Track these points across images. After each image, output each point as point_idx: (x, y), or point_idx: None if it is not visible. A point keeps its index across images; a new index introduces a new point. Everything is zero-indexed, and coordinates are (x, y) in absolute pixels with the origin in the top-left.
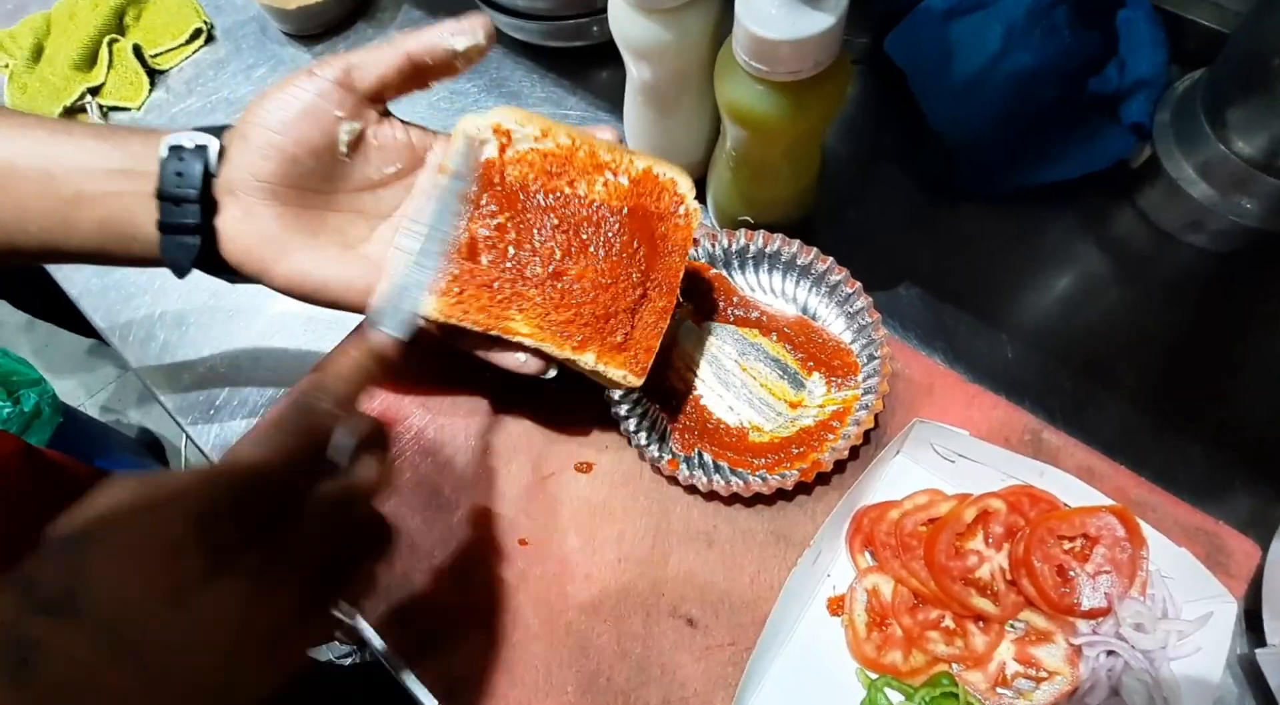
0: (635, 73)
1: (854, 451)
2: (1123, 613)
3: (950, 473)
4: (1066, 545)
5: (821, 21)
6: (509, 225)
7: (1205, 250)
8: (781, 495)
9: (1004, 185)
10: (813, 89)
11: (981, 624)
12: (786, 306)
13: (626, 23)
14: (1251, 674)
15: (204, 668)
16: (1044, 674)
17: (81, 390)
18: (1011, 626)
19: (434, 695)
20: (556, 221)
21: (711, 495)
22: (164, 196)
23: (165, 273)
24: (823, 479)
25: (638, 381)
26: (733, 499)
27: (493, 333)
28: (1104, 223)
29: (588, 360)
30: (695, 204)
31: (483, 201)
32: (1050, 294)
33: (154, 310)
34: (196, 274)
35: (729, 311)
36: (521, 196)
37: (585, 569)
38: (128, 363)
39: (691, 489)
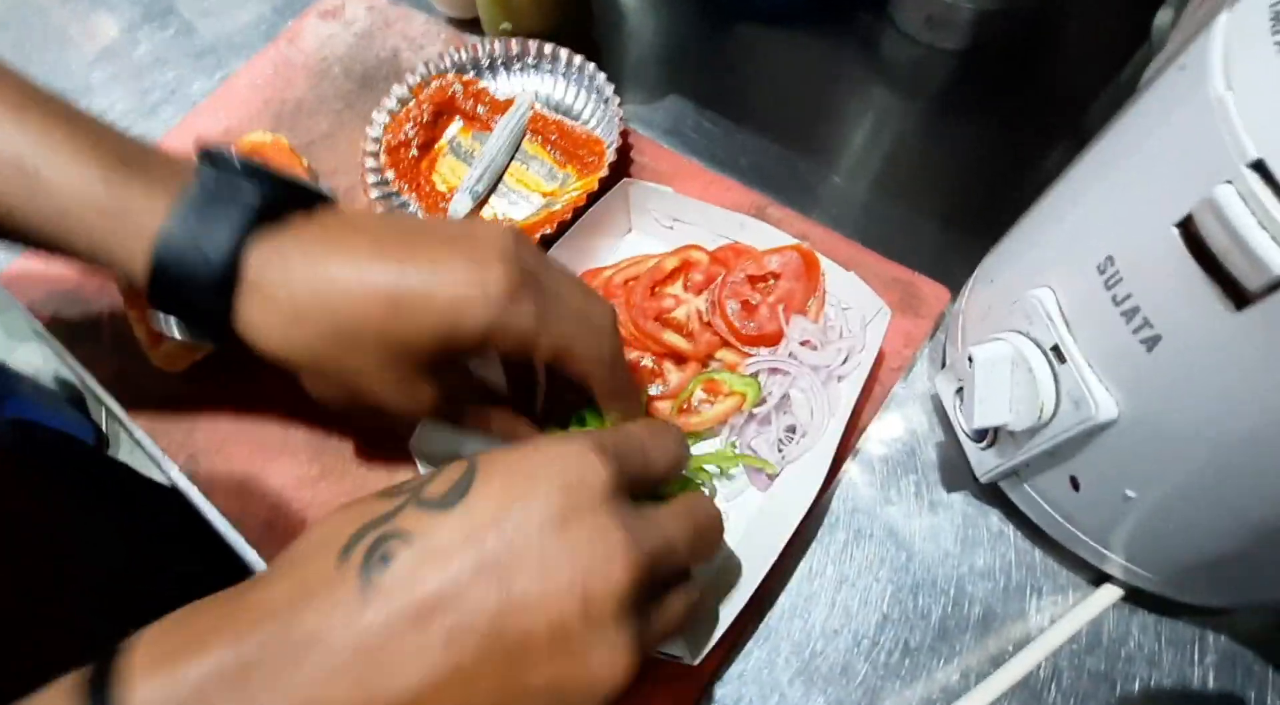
0: None
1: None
2: (791, 332)
3: (671, 240)
4: (760, 288)
5: None
6: None
7: (941, 50)
8: None
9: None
10: None
11: (678, 364)
12: (545, 110)
13: None
14: (940, 409)
15: (546, 606)
16: (720, 396)
17: None
18: (707, 367)
19: (174, 461)
20: None
21: None
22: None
23: None
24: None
25: None
26: None
27: None
28: (858, 32)
29: None
30: None
31: None
32: (804, 100)
33: None
34: None
35: (489, 118)
36: None
37: None
38: None
39: None
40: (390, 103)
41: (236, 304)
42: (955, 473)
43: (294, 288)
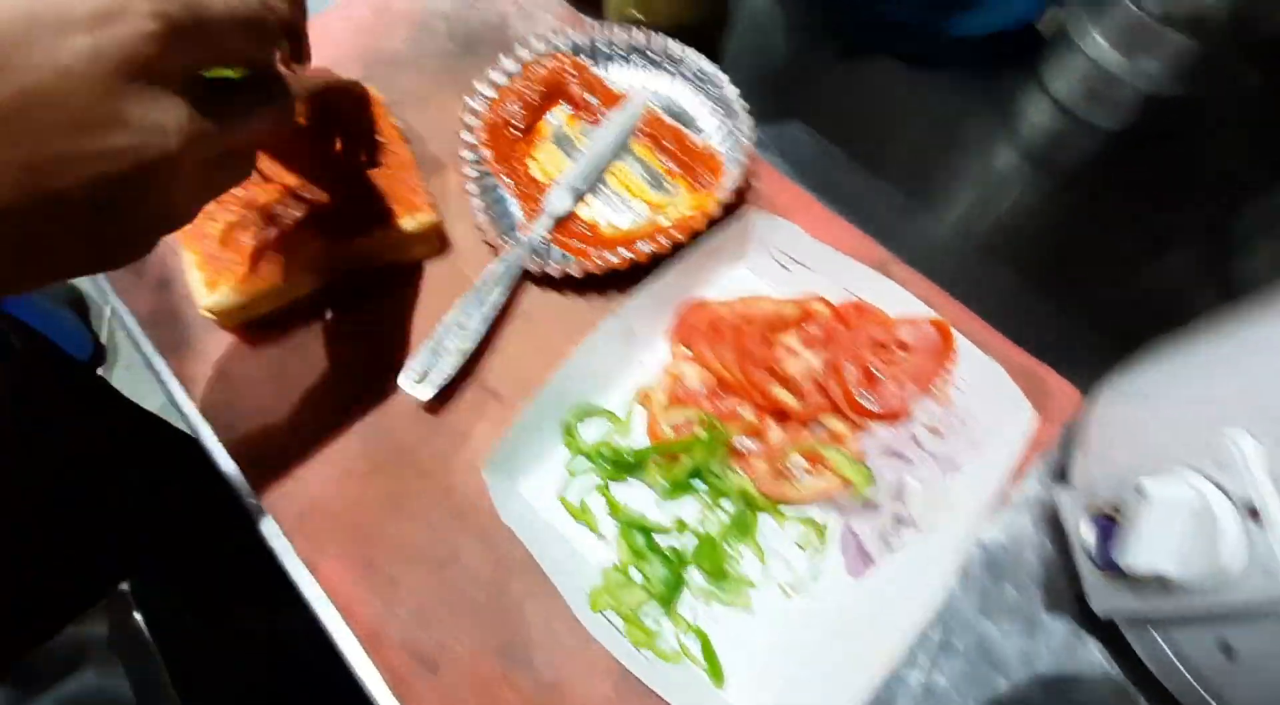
0: None
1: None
2: (919, 414)
3: (783, 281)
4: (883, 355)
5: None
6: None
7: (1097, 127)
8: (613, 284)
9: (914, 34)
10: None
11: (781, 421)
12: (661, 112)
13: None
14: (1052, 519)
15: (110, 180)
16: (823, 470)
17: None
18: (812, 432)
19: (209, 418)
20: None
21: (547, 278)
22: None
23: None
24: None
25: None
26: (569, 284)
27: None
28: (1003, 91)
29: (382, 236)
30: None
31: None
32: (934, 152)
33: None
34: None
35: (599, 110)
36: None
37: (411, 337)
38: None
39: (532, 276)
40: (498, 76)
41: None
42: (1060, 593)
43: None
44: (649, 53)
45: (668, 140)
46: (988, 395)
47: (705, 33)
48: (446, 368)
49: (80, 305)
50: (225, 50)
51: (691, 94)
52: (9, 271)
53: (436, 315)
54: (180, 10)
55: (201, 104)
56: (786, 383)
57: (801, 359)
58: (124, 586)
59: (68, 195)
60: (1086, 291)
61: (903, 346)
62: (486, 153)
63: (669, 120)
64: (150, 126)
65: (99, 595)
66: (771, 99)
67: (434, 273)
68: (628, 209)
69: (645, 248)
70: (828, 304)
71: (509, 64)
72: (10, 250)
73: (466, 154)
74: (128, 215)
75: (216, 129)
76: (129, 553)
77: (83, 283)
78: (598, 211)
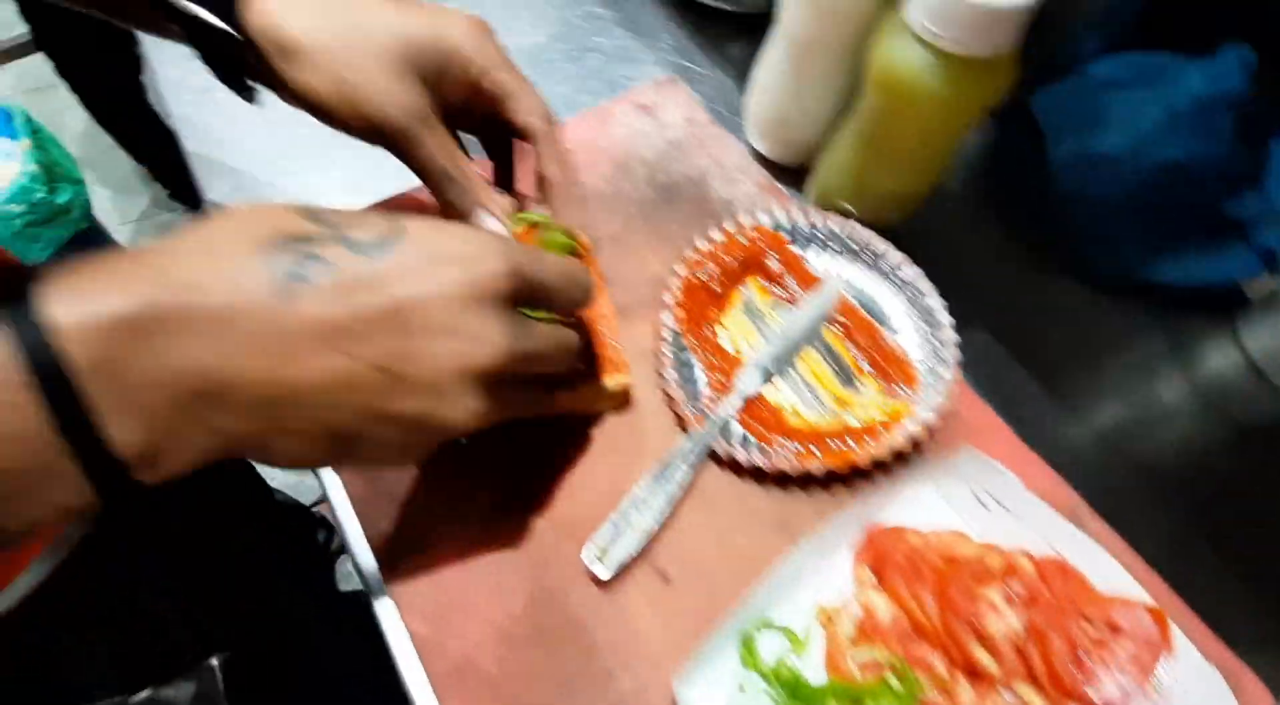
0: (786, 22)
1: (885, 467)
2: None
3: (980, 520)
4: (1090, 631)
5: None
6: None
7: None
8: (798, 484)
9: (1112, 272)
10: (975, 72)
11: (973, 681)
12: (859, 307)
13: None
14: None
15: (439, 371)
16: None
17: (115, 214)
18: (1003, 698)
19: (372, 548)
20: None
21: (730, 462)
22: None
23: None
24: (845, 483)
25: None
26: (751, 471)
27: None
28: (1200, 343)
29: (581, 391)
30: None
31: None
32: (1126, 395)
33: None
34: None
35: (793, 290)
36: None
37: (585, 496)
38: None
39: (712, 453)
40: (702, 243)
41: None
42: None
43: None
44: (850, 242)
45: (860, 334)
46: (1198, 698)
47: (901, 239)
48: (629, 547)
49: None
50: (547, 301)
51: (887, 291)
52: (324, 447)
53: (610, 474)
54: (526, 263)
55: (518, 331)
56: (983, 640)
57: (1003, 618)
58: (214, 661)
59: (402, 384)
60: (1266, 564)
61: (1112, 626)
62: (682, 315)
63: (864, 313)
64: (479, 338)
65: (188, 662)
66: (955, 302)
67: (613, 428)
68: (816, 401)
69: (839, 450)
70: (1032, 560)
71: (715, 233)
72: (343, 429)
73: (665, 317)
74: (434, 412)
75: (526, 353)
76: (222, 625)
77: None
78: (784, 397)
